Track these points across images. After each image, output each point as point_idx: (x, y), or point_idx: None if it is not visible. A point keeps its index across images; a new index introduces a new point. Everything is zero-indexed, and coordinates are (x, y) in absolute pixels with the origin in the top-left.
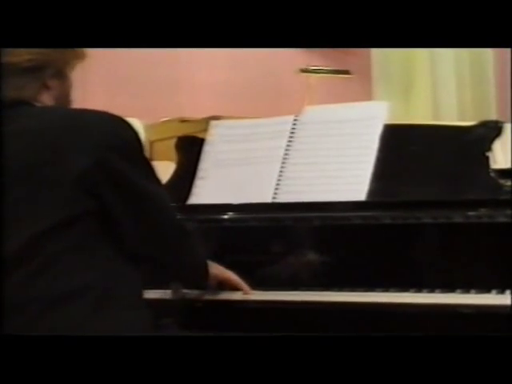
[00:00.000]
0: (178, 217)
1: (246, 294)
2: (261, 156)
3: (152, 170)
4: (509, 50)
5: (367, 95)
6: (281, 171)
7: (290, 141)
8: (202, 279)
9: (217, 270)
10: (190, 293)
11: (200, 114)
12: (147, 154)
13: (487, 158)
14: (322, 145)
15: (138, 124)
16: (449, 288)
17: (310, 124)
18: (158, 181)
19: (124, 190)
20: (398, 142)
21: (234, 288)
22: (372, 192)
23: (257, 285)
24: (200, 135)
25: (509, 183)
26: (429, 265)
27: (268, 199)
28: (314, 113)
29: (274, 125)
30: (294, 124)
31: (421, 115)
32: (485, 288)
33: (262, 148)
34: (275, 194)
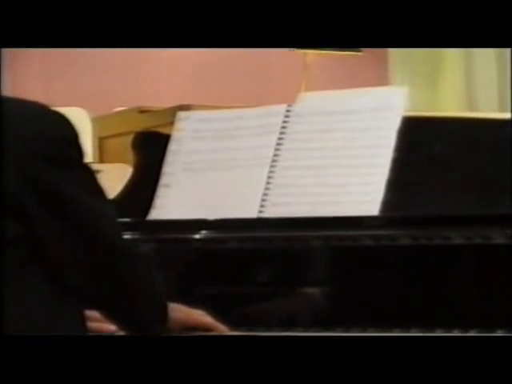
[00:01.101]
0: (129, 240)
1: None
2: (243, 158)
3: (93, 179)
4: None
5: (382, 80)
6: (269, 177)
7: (280, 138)
8: (157, 325)
9: (181, 313)
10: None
11: (164, 103)
12: (95, 154)
13: None
14: (322, 143)
15: (83, 115)
16: (488, 328)
17: (307, 116)
18: (100, 194)
19: (56, 209)
20: (421, 140)
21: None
22: (387, 204)
23: (238, 325)
24: (164, 130)
25: None
26: (461, 298)
27: (253, 214)
28: (313, 101)
29: (260, 117)
30: (287, 116)
31: (450, 105)
32: None
33: (244, 147)
34: (262, 206)
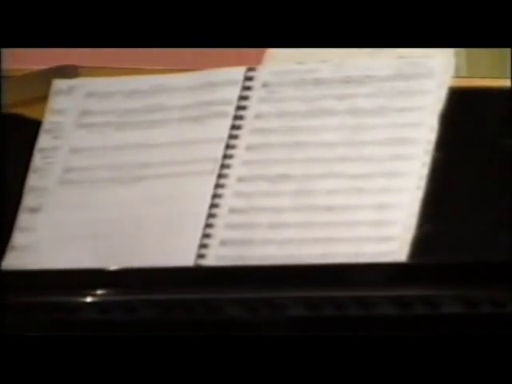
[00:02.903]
0: None
1: None
2: (166, 161)
3: None
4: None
5: None
6: (216, 195)
7: (235, 126)
8: None
9: None
10: None
11: (32, 63)
12: None
13: None
14: (306, 135)
15: None
16: None
17: (282, 86)
18: None
19: None
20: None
21: None
22: (428, 240)
23: None
24: (32, 110)
25: None
26: None
27: (188, 259)
28: (288, 61)
29: (195, 89)
30: (247, 87)
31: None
32: None
33: (169, 142)
34: (203, 247)
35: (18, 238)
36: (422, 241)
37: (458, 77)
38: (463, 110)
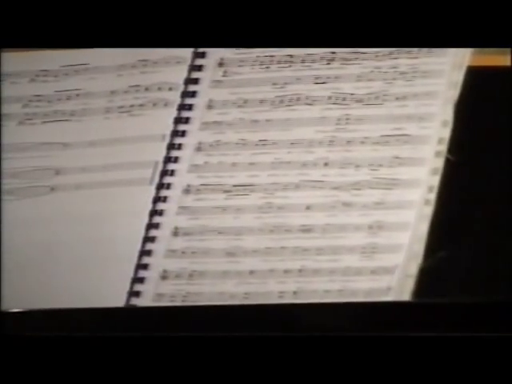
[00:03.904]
0: None
1: None
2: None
3: None
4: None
5: None
6: (156, 212)
7: (181, 119)
8: None
9: None
10: None
11: None
12: None
13: None
14: (282, 129)
15: None
16: None
17: (244, 65)
18: None
19: None
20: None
21: None
22: (439, 272)
23: None
24: None
25: None
26: None
27: (119, 299)
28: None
29: (135, 67)
30: (198, 66)
31: None
32: None
33: (101, 138)
34: (139, 282)
35: None
36: (431, 274)
37: (481, 53)
38: (489, 98)
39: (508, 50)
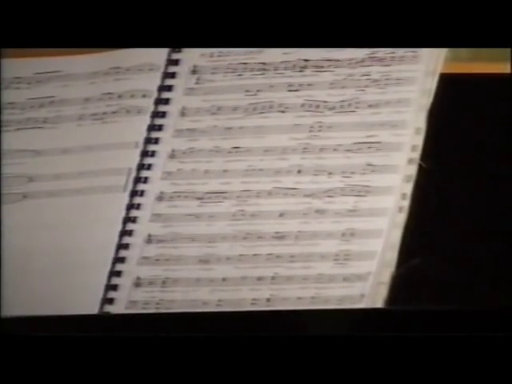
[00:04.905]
0: None
1: None
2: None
3: None
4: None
5: None
6: (129, 219)
7: (155, 126)
8: None
9: None
10: None
11: None
12: None
13: None
14: (255, 136)
15: None
16: None
17: (217, 72)
18: None
19: None
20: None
21: None
22: (412, 280)
23: None
24: None
25: None
26: None
27: (93, 306)
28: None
29: (108, 74)
30: (172, 73)
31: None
32: None
33: (74, 145)
34: (112, 289)
35: None
36: (404, 281)
37: (454, 60)
38: (461, 106)
39: (480, 57)
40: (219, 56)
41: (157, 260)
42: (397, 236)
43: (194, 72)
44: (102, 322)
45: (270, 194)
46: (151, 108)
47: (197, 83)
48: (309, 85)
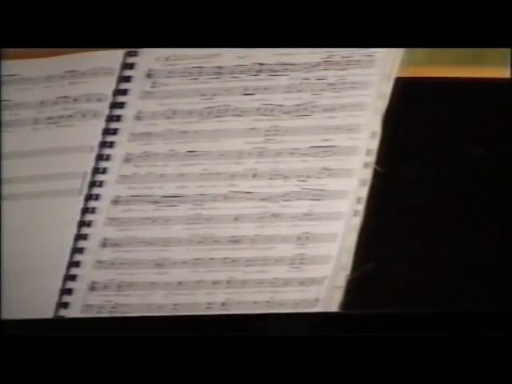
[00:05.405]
0: None
1: None
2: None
3: None
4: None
5: None
6: (84, 223)
7: (110, 130)
8: None
9: None
10: None
11: None
12: None
13: None
14: (211, 140)
15: None
16: None
17: (172, 76)
18: None
19: None
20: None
21: None
22: (367, 284)
23: None
24: None
25: None
26: None
27: (47, 309)
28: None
29: (63, 78)
30: (127, 77)
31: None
32: None
33: (29, 149)
34: (67, 293)
35: None
36: (359, 285)
37: (410, 64)
38: (417, 109)
39: (436, 60)
40: (174, 60)
41: (112, 264)
42: (352, 240)
43: (149, 76)
44: (57, 328)
45: (225, 197)
46: (106, 112)
47: (152, 87)
48: (265, 89)
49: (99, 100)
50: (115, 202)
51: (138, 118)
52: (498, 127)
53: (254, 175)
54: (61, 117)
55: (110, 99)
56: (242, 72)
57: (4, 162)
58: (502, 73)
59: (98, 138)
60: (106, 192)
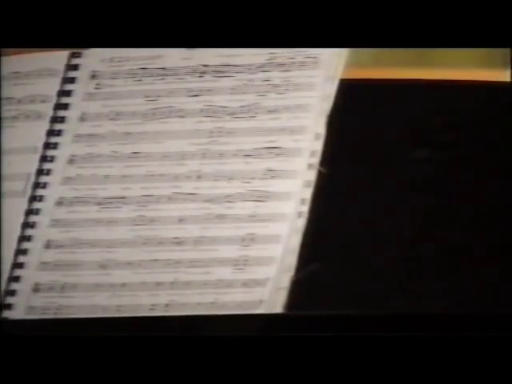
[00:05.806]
0: None
1: None
2: None
3: None
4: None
5: None
6: (28, 225)
7: (54, 131)
8: None
9: None
10: None
11: None
12: None
13: None
14: (155, 142)
15: None
16: None
17: (116, 78)
18: None
19: None
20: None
21: None
22: (311, 285)
23: None
24: None
25: None
26: None
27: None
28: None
29: (5, 79)
30: (71, 78)
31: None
32: None
33: None
34: (11, 294)
35: None
36: (303, 286)
37: (354, 66)
38: (361, 111)
39: (381, 62)
40: (119, 61)
41: (56, 265)
42: (296, 241)
43: (93, 77)
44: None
45: (169, 199)
46: (50, 113)
47: (96, 88)
48: (209, 90)
49: (43, 101)
50: (59, 203)
51: (82, 119)
52: (446, 128)
53: (198, 177)
54: (4, 118)
55: (54, 100)
56: (187, 73)
57: None
58: (449, 74)
59: (42, 139)
60: (50, 193)
